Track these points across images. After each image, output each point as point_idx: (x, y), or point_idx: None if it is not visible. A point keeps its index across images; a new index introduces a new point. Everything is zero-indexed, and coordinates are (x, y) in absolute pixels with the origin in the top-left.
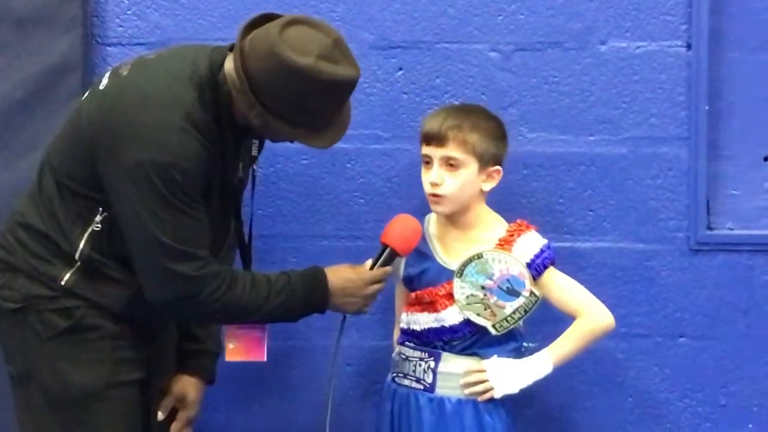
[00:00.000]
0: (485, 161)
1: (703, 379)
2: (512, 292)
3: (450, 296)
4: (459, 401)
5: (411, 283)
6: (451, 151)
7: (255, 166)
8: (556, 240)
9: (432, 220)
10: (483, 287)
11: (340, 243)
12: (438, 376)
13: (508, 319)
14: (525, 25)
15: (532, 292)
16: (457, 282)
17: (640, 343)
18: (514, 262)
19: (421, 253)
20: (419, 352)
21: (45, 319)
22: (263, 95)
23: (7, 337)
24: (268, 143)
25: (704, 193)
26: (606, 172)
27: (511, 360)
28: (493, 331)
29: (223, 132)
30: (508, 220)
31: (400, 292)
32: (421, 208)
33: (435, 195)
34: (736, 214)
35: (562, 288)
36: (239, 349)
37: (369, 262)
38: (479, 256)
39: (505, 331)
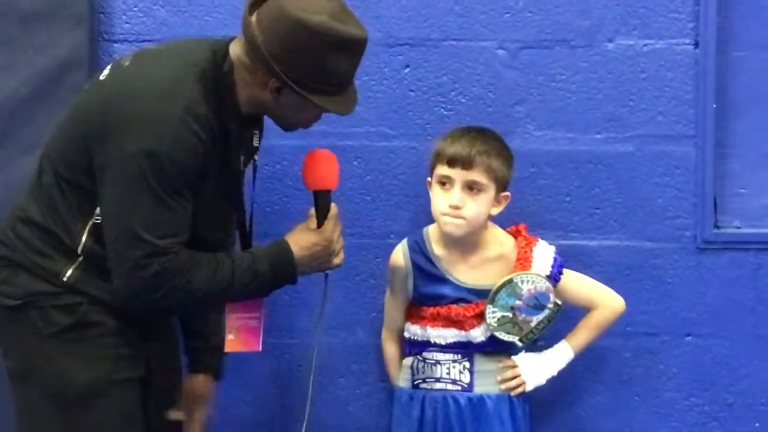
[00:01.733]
0: (501, 187)
1: (709, 377)
2: (538, 307)
3: (478, 316)
4: (498, 397)
5: (425, 301)
6: (477, 176)
7: (256, 157)
8: (563, 238)
9: (431, 238)
10: (512, 307)
11: (346, 241)
12: (475, 375)
13: (534, 330)
14: (532, 23)
15: (555, 303)
16: (489, 308)
17: (647, 341)
18: (540, 280)
19: (431, 275)
20: (451, 355)
21: (47, 315)
22: (280, 62)
23: (7, 333)
24: (267, 136)
25: (711, 191)
26: (613, 170)
27: (536, 354)
28: (519, 345)
29: (225, 124)
30: (515, 220)
31: (395, 302)
32: (427, 208)
33: (455, 217)
34: (743, 213)
35: (576, 287)
36: (238, 340)
37: (313, 212)
38: (510, 281)
39: (530, 341)
